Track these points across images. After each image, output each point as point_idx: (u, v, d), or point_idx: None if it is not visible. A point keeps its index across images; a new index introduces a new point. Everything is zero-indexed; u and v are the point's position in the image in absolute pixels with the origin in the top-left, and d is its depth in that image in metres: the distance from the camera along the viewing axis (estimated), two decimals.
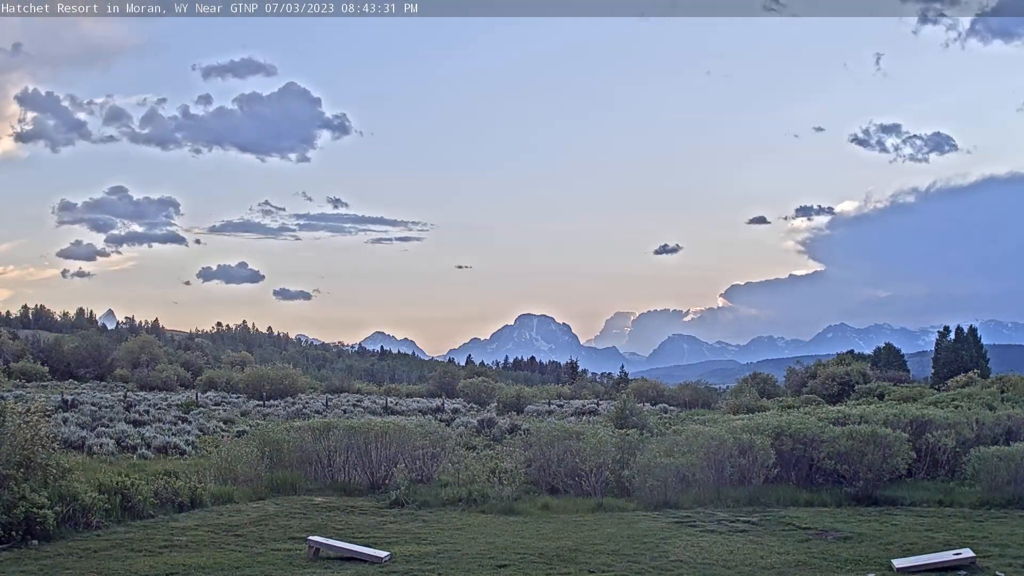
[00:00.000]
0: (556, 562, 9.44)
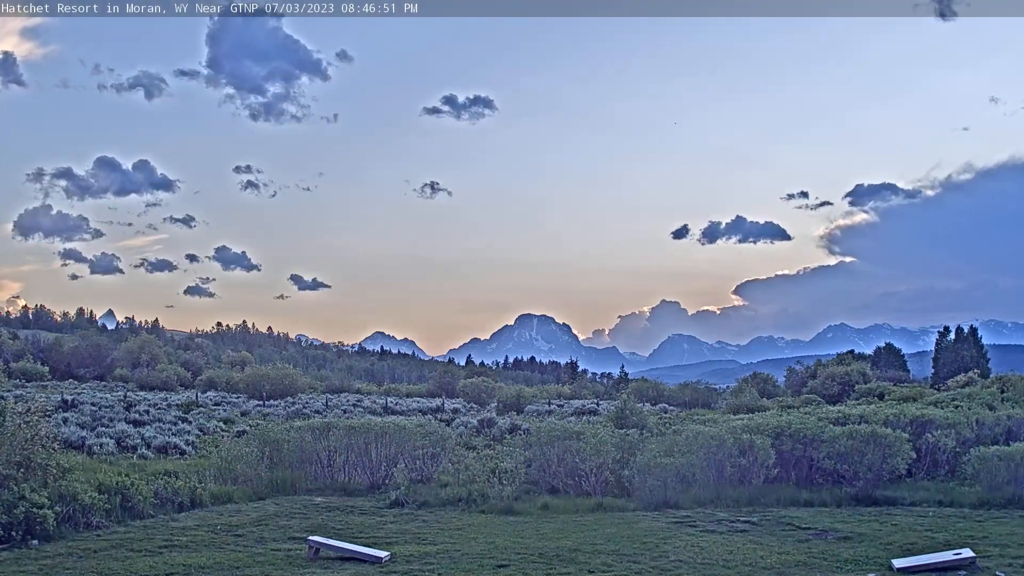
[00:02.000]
0: (556, 562, 9.44)
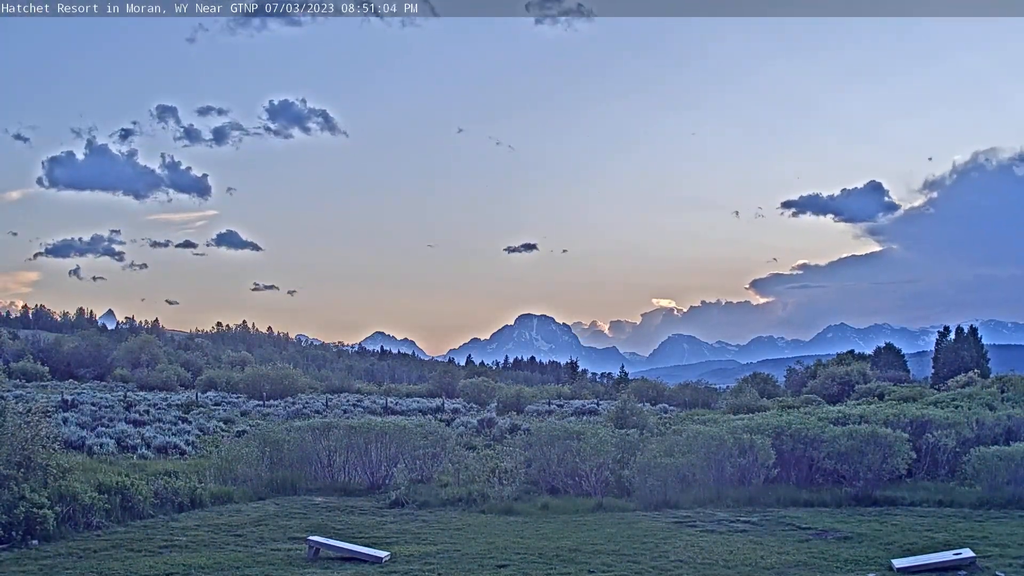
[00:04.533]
0: (556, 562, 9.44)
